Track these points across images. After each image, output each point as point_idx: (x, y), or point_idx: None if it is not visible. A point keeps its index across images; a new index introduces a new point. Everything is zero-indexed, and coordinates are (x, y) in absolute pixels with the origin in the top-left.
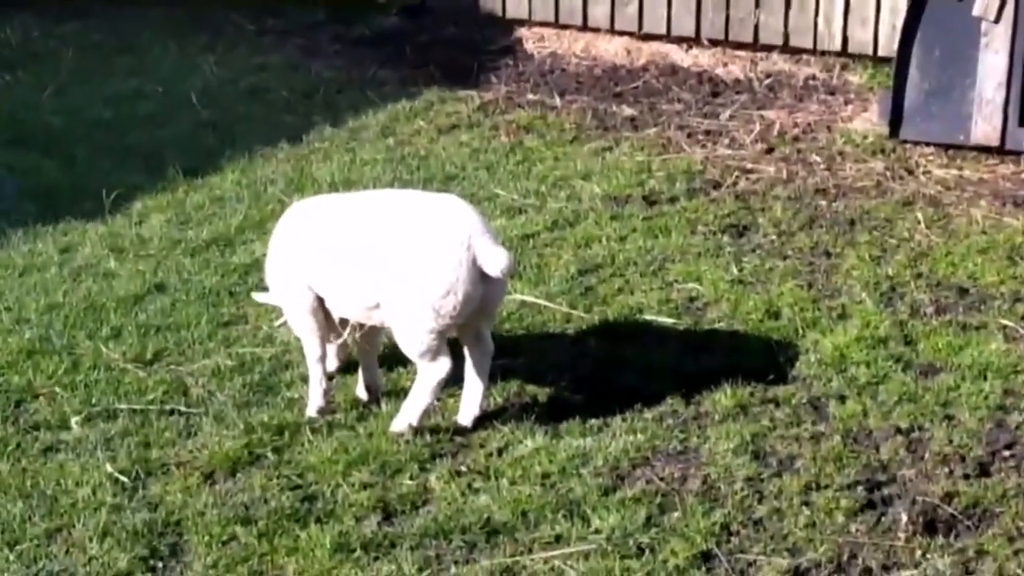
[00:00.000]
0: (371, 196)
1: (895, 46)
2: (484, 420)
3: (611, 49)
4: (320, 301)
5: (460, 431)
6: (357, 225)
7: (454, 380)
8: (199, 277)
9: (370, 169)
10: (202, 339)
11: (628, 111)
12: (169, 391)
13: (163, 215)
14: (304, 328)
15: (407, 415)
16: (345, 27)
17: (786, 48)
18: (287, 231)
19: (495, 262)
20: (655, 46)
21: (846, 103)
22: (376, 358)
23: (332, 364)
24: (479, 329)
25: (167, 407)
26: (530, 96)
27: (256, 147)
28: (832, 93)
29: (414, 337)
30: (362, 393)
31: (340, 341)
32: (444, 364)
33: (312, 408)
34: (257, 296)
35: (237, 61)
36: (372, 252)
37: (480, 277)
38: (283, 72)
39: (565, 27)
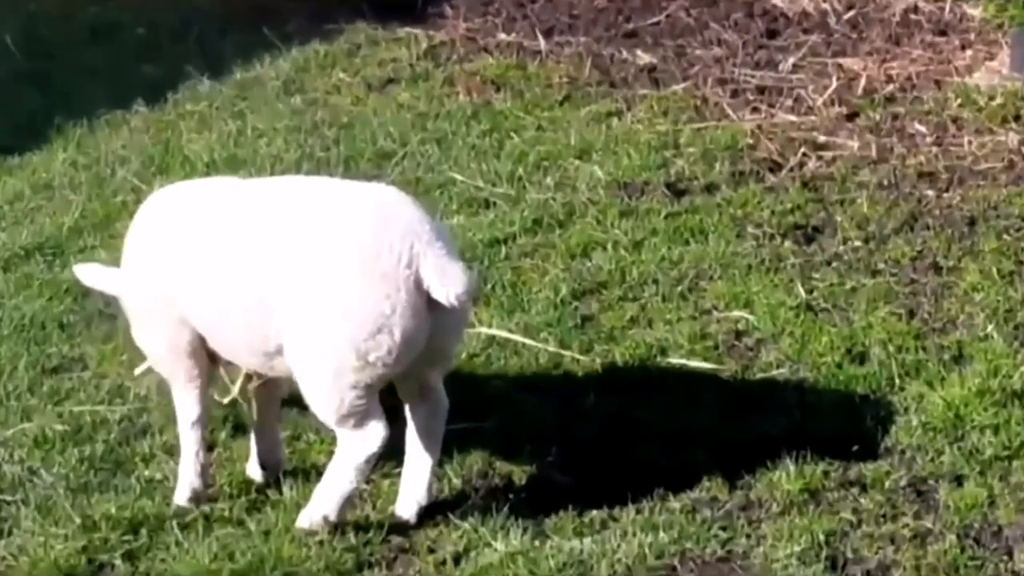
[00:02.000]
0: (269, 186)
1: None
2: (434, 511)
3: None
4: (201, 339)
5: (399, 527)
6: (248, 229)
7: (390, 453)
8: (15, 301)
9: (267, 143)
10: (20, 392)
11: (645, 58)
12: None
13: None
14: (176, 377)
15: (321, 505)
16: None
17: None
18: (147, 234)
19: (449, 285)
20: None
21: (963, 47)
22: (276, 420)
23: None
24: (428, 380)
25: None
26: (502, 36)
27: (100, 111)
28: (943, 33)
29: (330, 396)
30: (255, 472)
31: (229, 399)
32: (376, 433)
33: (183, 492)
34: (82, 271)
35: None
36: (268, 270)
37: (428, 307)
38: (140, 2)
39: None
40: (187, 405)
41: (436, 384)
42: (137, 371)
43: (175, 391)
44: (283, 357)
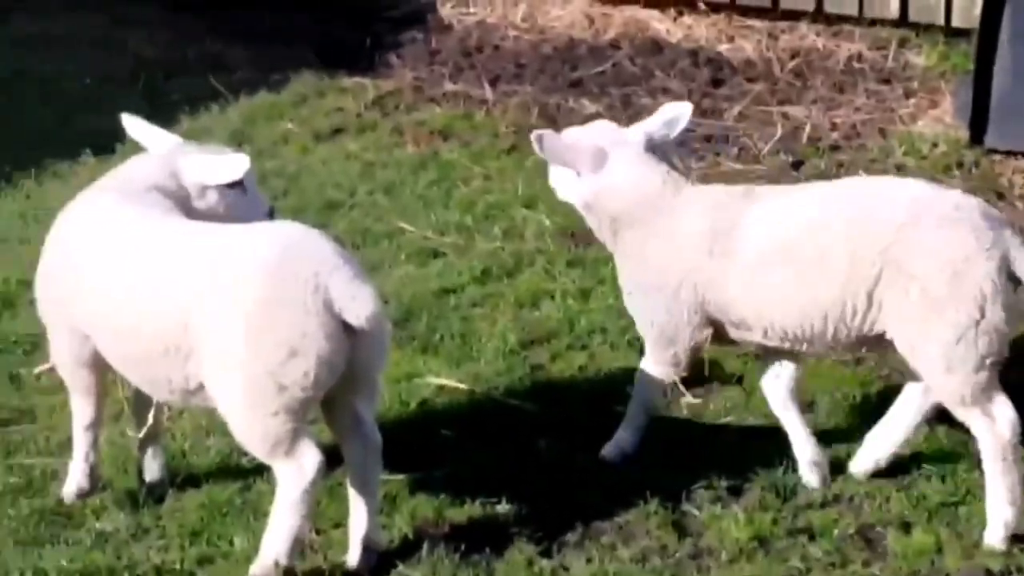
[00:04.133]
0: (179, 230)
1: (977, 12)
2: (385, 561)
3: (566, 17)
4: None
5: None
6: (154, 259)
7: (339, 501)
8: None
9: None
10: None
11: (591, 107)
12: None
13: None
14: (75, 384)
15: (271, 548)
16: None
17: (819, 16)
18: (57, 244)
19: (359, 307)
20: (629, 12)
21: (907, 95)
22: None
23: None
24: (354, 410)
25: None
26: (449, 86)
27: (47, 161)
28: (887, 81)
29: (253, 425)
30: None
31: (144, 433)
32: (310, 459)
33: (70, 489)
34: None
35: (14, 33)
36: (181, 313)
37: (343, 329)
38: (85, 49)
39: None
40: (82, 410)
41: (366, 417)
42: (36, 369)
43: (72, 396)
44: (203, 393)
